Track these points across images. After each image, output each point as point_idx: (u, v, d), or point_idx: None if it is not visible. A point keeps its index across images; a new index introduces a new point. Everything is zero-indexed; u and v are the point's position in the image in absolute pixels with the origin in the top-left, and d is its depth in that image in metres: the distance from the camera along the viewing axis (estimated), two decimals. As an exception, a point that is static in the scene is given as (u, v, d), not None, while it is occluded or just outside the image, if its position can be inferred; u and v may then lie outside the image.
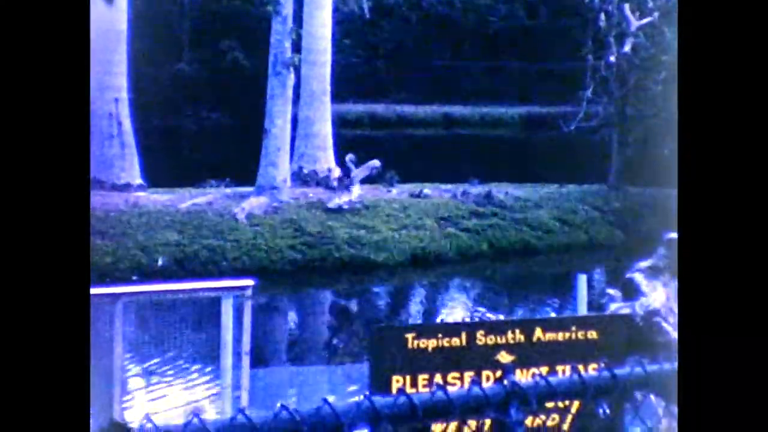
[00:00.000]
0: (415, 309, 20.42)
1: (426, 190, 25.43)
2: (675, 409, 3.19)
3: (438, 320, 17.81)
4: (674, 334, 8.07)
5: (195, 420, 2.32)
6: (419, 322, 18.32)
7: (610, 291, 8.69)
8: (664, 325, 8.07)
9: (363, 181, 23.99)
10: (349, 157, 24.14)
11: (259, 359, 14.38)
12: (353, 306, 20.72)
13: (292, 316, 20.04)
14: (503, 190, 25.98)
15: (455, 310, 19.38)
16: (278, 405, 2.40)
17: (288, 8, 23.92)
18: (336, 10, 28.78)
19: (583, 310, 9.91)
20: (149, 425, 2.25)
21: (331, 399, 2.47)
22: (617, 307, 8.24)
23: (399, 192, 25.31)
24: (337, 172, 24.74)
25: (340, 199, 23.14)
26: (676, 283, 8.37)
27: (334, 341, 18.10)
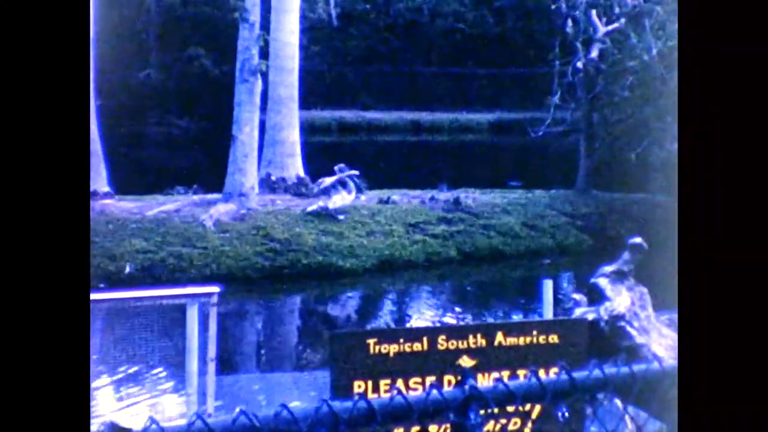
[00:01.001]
0: (383, 315, 20.40)
1: (394, 197, 25.43)
2: (639, 412, 3.18)
3: (408, 326, 17.81)
4: (639, 339, 8.10)
5: (153, 426, 2.31)
6: (387, 327, 18.29)
7: (576, 296, 8.70)
8: (629, 329, 8.10)
9: (328, 190, 23.93)
10: (339, 166, 24.09)
11: (227, 366, 14.35)
12: (322, 312, 20.68)
13: (261, 323, 19.98)
14: (471, 196, 26.04)
15: (424, 315, 19.38)
16: (237, 410, 2.40)
17: (255, 15, 23.89)
18: (304, 16, 28.77)
19: (549, 315, 9.94)
20: None
21: (297, 405, 2.47)
22: (582, 311, 8.26)
23: (367, 198, 25.29)
24: (329, 179, 24.58)
25: (332, 204, 23.18)
26: (641, 287, 8.41)
27: (303, 347, 18.07)
